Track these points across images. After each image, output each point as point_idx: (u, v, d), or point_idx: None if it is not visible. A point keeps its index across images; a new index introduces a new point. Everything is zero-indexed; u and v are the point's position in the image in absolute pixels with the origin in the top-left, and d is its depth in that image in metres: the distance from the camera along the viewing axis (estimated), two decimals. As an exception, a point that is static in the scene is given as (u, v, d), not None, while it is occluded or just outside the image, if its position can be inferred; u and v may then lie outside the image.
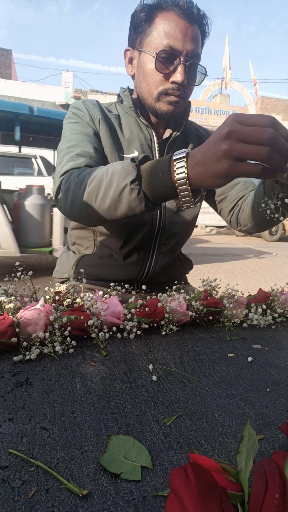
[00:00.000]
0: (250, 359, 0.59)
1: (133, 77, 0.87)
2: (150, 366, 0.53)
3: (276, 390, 0.50)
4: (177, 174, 0.55)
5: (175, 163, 0.55)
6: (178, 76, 0.76)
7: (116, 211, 0.63)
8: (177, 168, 0.54)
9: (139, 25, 0.79)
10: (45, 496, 0.29)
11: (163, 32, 0.75)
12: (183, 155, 0.54)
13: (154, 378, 0.50)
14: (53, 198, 0.78)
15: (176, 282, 1.00)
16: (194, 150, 0.54)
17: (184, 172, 0.54)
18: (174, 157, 0.55)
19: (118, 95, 0.93)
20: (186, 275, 1.13)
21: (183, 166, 0.54)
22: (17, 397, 0.44)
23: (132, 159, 0.60)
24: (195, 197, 0.57)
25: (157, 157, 0.88)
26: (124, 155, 0.86)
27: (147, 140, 0.88)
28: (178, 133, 0.90)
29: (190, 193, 0.56)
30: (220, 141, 0.48)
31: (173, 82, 0.78)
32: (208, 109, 12.27)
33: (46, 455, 0.34)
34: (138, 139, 0.87)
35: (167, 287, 0.80)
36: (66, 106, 10.90)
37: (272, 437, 0.39)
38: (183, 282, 1.09)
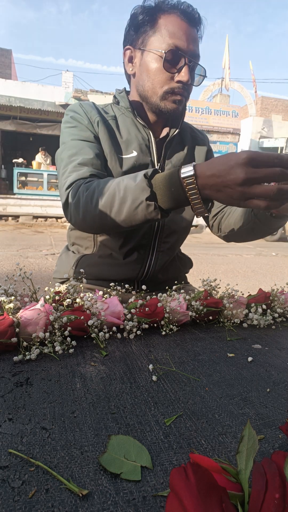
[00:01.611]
0: (250, 359, 0.59)
1: (133, 75, 0.86)
2: (150, 366, 0.53)
3: (276, 390, 0.50)
4: (188, 191, 0.59)
5: (185, 181, 0.58)
6: (183, 76, 0.78)
7: (131, 222, 0.66)
8: (188, 188, 0.59)
9: (142, 26, 0.80)
10: (45, 496, 0.29)
11: (168, 32, 0.77)
12: (191, 173, 0.58)
13: (154, 378, 0.50)
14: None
15: (176, 282, 1.00)
16: (204, 171, 0.57)
17: (196, 191, 0.58)
18: (182, 175, 0.58)
19: (114, 97, 0.94)
20: (186, 274, 1.14)
21: (194, 186, 0.58)
22: (17, 397, 0.44)
23: (145, 175, 0.63)
24: (206, 206, 0.61)
25: (155, 156, 0.89)
26: (123, 156, 0.86)
27: (144, 140, 0.88)
28: (175, 133, 0.91)
29: (203, 206, 0.61)
30: (236, 185, 0.53)
31: (178, 82, 0.80)
32: (208, 109, 12.25)
33: (46, 455, 0.34)
34: (136, 140, 0.87)
35: (167, 287, 0.80)
36: (66, 106, 10.87)
37: (272, 437, 0.39)
38: (183, 282, 1.09)
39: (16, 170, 10.58)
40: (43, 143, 11.16)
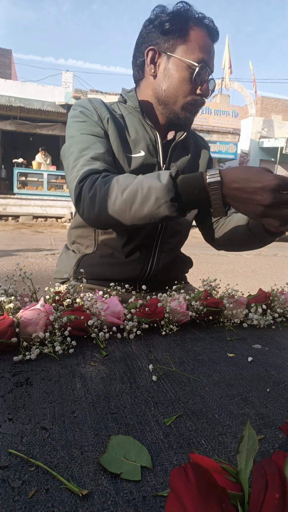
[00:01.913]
0: (250, 359, 0.59)
1: (153, 77, 0.85)
2: (150, 366, 0.53)
3: (276, 390, 0.50)
4: (212, 196, 0.63)
5: (210, 187, 0.62)
6: (206, 90, 0.83)
7: (150, 220, 0.67)
8: (212, 193, 0.62)
9: (170, 32, 0.80)
10: (45, 496, 0.29)
11: (198, 46, 0.79)
12: (218, 179, 0.61)
13: (154, 378, 0.50)
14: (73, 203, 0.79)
15: (176, 282, 1.00)
16: (229, 183, 0.61)
17: (219, 196, 0.62)
18: (208, 180, 0.62)
19: (121, 95, 0.93)
20: (186, 274, 1.14)
21: (219, 192, 0.62)
22: (17, 397, 0.44)
23: (170, 175, 0.65)
24: (225, 209, 0.65)
25: (161, 157, 0.90)
26: (132, 155, 0.86)
27: (152, 140, 0.89)
28: (182, 136, 0.92)
29: (223, 209, 0.64)
30: (260, 205, 0.59)
31: (200, 95, 0.83)
32: (208, 109, 12.23)
33: (46, 455, 0.34)
34: (144, 140, 0.88)
35: (167, 287, 0.80)
36: (66, 106, 10.88)
37: (272, 437, 0.39)
38: (183, 282, 1.09)
39: (16, 170, 10.58)
40: (43, 143, 11.16)
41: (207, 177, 0.62)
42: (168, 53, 0.81)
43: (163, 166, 0.91)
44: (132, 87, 0.94)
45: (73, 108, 0.87)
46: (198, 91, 0.83)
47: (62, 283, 1.00)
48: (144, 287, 0.78)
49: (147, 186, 0.65)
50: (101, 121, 0.84)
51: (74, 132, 0.83)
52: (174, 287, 0.79)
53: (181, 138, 0.92)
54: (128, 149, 0.86)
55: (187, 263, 1.10)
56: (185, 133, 0.92)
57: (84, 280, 0.73)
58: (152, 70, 0.84)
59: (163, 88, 0.84)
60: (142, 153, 0.86)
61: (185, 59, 0.79)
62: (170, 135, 0.93)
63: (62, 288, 0.69)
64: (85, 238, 0.97)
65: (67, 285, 0.71)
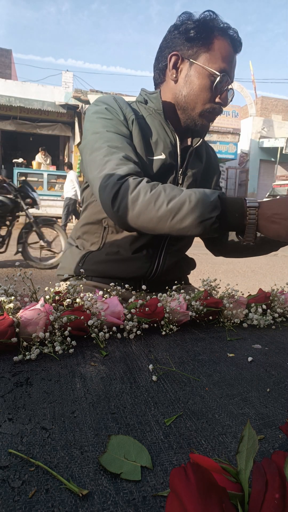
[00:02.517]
0: (250, 359, 0.59)
1: (174, 81, 0.87)
2: (150, 366, 0.53)
3: (276, 390, 0.50)
4: (249, 219, 0.69)
5: (249, 212, 0.69)
6: (225, 99, 0.86)
7: (187, 232, 0.72)
8: (249, 216, 0.69)
9: (195, 39, 0.82)
10: (45, 496, 0.29)
11: (221, 55, 0.82)
12: (256, 205, 0.69)
13: (154, 378, 0.50)
14: (110, 199, 0.74)
15: (176, 282, 1.01)
16: (266, 208, 0.69)
17: (254, 221, 0.69)
18: (248, 204, 0.69)
19: (141, 96, 0.93)
20: (188, 275, 1.14)
21: (254, 219, 0.69)
22: (17, 397, 0.44)
23: (219, 195, 0.71)
24: (254, 237, 0.71)
25: (179, 162, 0.91)
26: (153, 158, 0.87)
27: (172, 144, 0.90)
28: (199, 142, 0.94)
29: (253, 236, 0.71)
30: None
31: (218, 103, 0.86)
32: (208, 109, 12.27)
33: (46, 455, 0.34)
34: (165, 142, 0.89)
35: (167, 287, 0.80)
36: (66, 106, 10.88)
37: (272, 437, 0.39)
38: (183, 282, 1.09)
39: (16, 170, 10.58)
40: (43, 143, 11.16)
41: (247, 202, 0.69)
42: (191, 59, 0.83)
43: (179, 170, 0.92)
44: (144, 88, 0.94)
45: (96, 104, 0.86)
46: (217, 100, 0.85)
47: (65, 280, 0.99)
48: (144, 287, 0.77)
49: (195, 200, 0.69)
50: (126, 121, 0.84)
51: (99, 128, 0.82)
52: (174, 287, 0.79)
53: (197, 145, 0.94)
54: (149, 151, 0.87)
55: (191, 264, 1.10)
56: (201, 140, 0.94)
57: (84, 280, 0.72)
58: (174, 75, 0.86)
59: (184, 94, 0.86)
60: (163, 156, 0.88)
61: (207, 67, 0.82)
62: (189, 141, 0.95)
63: (62, 288, 0.69)
64: (92, 235, 0.96)
65: (67, 284, 0.71)
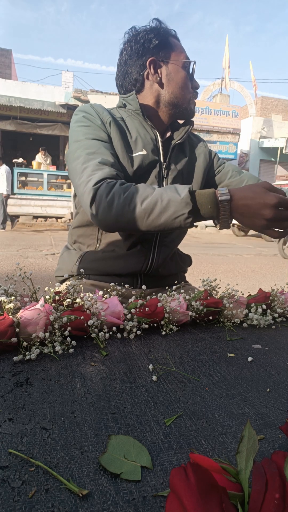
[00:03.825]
0: (250, 359, 0.59)
1: (159, 84, 0.94)
2: (150, 366, 0.53)
3: (276, 390, 0.50)
4: (222, 211, 0.72)
5: (221, 203, 0.71)
6: (197, 83, 0.98)
7: (164, 228, 0.75)
8: (222, 208, 0.71)
9: (160, 43, 0.92)
10: (45, 496, 0.29)
11: (180, 49, 0.94)
12: (228, 198, 0.71)
13: (154, 378, 0.50)
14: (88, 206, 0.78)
15: (176, 282, 1.02)
16: (237, 200, 0.71)
17: (227, 212, 0.72)
18: (220, 198, 0.71)
19: (120, 101, 0.99)
20: (185, 274, 1.15)
21: (227, 211, 0.72)
22: (17, 397, 0.44)
23: (189, 191, 0.72)
24: (230, 222, 0.74)
25: (162, 155, 0.95)
26: (133, 154, 0.91)
27: (152, 140, 0.94)
28: (180, 137, 0.98)
29: (229, 223, 0.74)
30: (263, 219, 0.69)
31: (194, 88, 0.97)
32: (208, 109, 12.22)
33: (46, 455, 0.34)
34: (145, 139, 0.93)
35: (167, 287, 0.81)
36: (66, 106, 10.87)
37: (272, 437, 0.39)
38: (183, 282, 1.09)
39: (16, 170, 10.58)
40: (43, 143, 11.16)
41: (218, 195, 0.71)
42: (165, 60, 0.93)
43: (163, 164, 0.95)
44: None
45: (76, 114, 0.91)
46: (194, 85, 0.97)
47: (64, 281, 1.00)
48: (144, 287, 0.78)
49: (166, 198, 0.72)
50: (104, 125, 0.88)
51: (79, 136, 0.86)
52: (174, 287, 0.79)
53: (179, 140, 0.98)
54: (130, 149, 0.91)
55: (187, 260, 1.13)
56: (185, 132, 0.99)
57: (84, 280, 0.73)
58: (158, 78, 0.93)
59: (170, 91, 0.93)
60: (144, 152, 0.91)
61: (180, 60, 0.93)
62: (167, 135, 1.00)
63: (62, 287, 0.69)
64: (88, 237, 0.98)
65: (67, 284, 0.71)
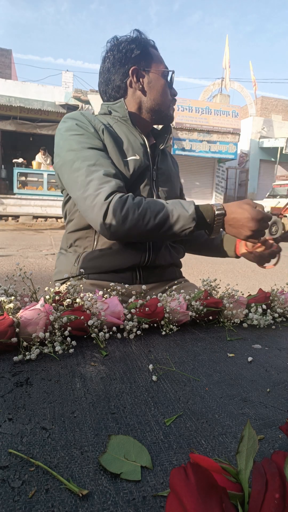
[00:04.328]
0: (250, 359, 0.59)
1: (141, 91, 0.98)
2: (150, 366, 0.53)
3: (276, 390, 0.50)
4: (216, 223, 0.84)
5: (216, 217, 0.84)
6: (175, 90, 1.04)
7: (170, 238, 0.87)
8: (216, 221, 0.84)
9: (141, 53, 0.97)
10: (45, 496, 0.29)
11: (159, 59, 1.00)
12: (223, 212, 0.84)
13: (154, 378, 0.50)
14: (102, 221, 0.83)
15: (175, 281, 1.03)
16: (229, 215, 0.84)
17: (221, 224, 0.85)
18: (216, 212, 0.84)
19: (104, 108, 1.03)
20: (185, 274, 1.15)
21: (220, 223, 0.85)
22: (17, 397, 0.44)
23: (195, 208, 0.83)
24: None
25: (150, 159, 1.01)
26: (128, 159, 0.94)
27: (142, 145, 0.98)
28: (167, 141, 1.07)
29: (220, 232, 0.89)
30: (250, 230, 0.82)
31: (173, 95, 1.03)
32: (208, 109, 12.21)
33: (46, 455, 0.34)
34: (135, 144, 0.97)
35: (167, 287, 0.81)
36: (66, 106, 10.88)
37: (272, 437, 0.39)
38: (182, 280, 1.11)
39: (16, 170, 10.57)
40: (43, 143, 11.16)
41: (215, 210, 0.84)
42: (146, 69, 0.98)
43: (153, 168, 1.01)
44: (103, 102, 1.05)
45: (64, 121, 0.92)
46: (172, 92, 1.03)
47: (63, 283, 1.00)
48: (144, 287, 0.78)
49: (176, 214, 0.82)
50: (97, 133, 0.90)
51: (73, 145, 0.87)
52: (174, 287, 0.79)
53: (164, 145, 1.06)
54: (123, 154, 0.94)
55: (180, 251, 1.15)
56: (168, 137, 1.07)
57: (85, 280, 0.73)
58: (140, 86, 0.98)
59: (152, 98, 0.99)
60: (137, 156, 0.95)
61: (160, 69, 0.99)
62: (152, 141, 1.06)
63: (63, 287, 0.69)
64: (85, 240, 0.98)
65: (67, 284, 0.71)
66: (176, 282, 1.05)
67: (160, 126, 1.08)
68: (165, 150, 1.09)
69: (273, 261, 0.96)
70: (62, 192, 1.01)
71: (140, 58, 0.97)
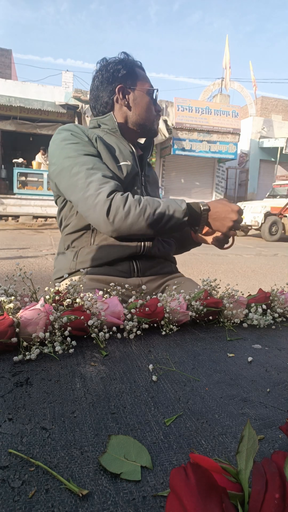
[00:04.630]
0: (250, 359, 0.59)
1: (127, 107, 1.07)
2: (150, 366, 0.53)
3: (276, 390, 0.50)
4: (202, 218, 0.94)
5: (203, 212, 0.94)
6: (159, 106, 1.14)
7: (166, 232, 0.94)
8: (203, 216, 0.94)
9: (128, 73, 1.06)
10: (45, 496, 0.29)
11: (145, 78, 1.10)
12: (207, 207, 0.94)
13: (154, 378, 0.50)
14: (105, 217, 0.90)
15: (172, 276, 1.07)
16: (212, 210, 0.94)
17: (206, 218, 0.95)
18: (202, 208, 0.93)
19: (92, 123, 1.11)
20: (185, 273, 1.17)
21: (206, 217, 0.94)
22: (17, 397, 0.44)
23: (187, 205, 0.93)
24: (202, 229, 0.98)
25: (139, 167, 1.10)
26: (121, 164, 1.02)
27: (131, 153, 1.07)
28: (151, 152, 1.17)
29: (202, 229, 0.98)
30: (231, 221, 0.93)
31: (157, 111, 1.13)
32: (208, 109, 12.20)
33: (46, 455, 0.34)
34: (126, 152, 1.05)
35: (163, 281, 0.81)
36: (66, 106, 10.88)
37: (272, 437, 0.39)
38: (179, 275, 1.14)
39: (16, 170, 10.58)
40: (43, 143, 11.16)
41: (201, 206, 0.93)
42: (131, 87, 1.07)
43: (142, 174, 1.10)
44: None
45: (59, 133, 0.98)
46: (157, 108, 1.12)
47: (63, 280, 1.01)
48: (144, 287, 0.79)
49: (172, 209, 0.90)
50: (90, 141, 0.97)
51: (70, 153, 0.93)
52: (171, 280, 0.79)
53: (150, 155, 1.16)
54: (116, 160, 1.02)
55: (171, 243, 1.18)
56: (152, 149, 1.17)
57: (84, 279, 0.73)
58: (126, 102, 1.07)
59: (137, 113, 1.08)
60: (128, 162, 1.04)
61: (145, 87, 1.08)
62: (139, 151, 1.15)
63: (64, 283, 0.70)
64: (82, 240, 1.01)
65: (67, 283, 0.71)
66: (172, 276, 1.09)
67: (144, 140, 1.18)
68: (148, 162, 1.20)
69: (230, 241, 1.05)
70: (56, 202, 1.07)
71: (126, 77, 1.06)
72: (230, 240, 1.06)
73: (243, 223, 9.64)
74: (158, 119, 1.16)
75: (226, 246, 1.08)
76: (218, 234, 1.05)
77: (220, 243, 1.07)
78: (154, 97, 1.11)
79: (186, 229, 1.18)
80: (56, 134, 0.99)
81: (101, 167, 0.93)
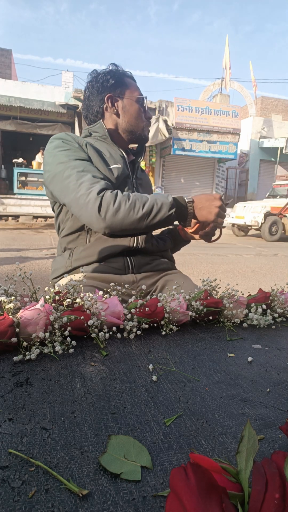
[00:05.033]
0: (250, 359, 0.59)
1: (116, 114, 1.12)
2: (150, 366, 0.53)
3: (276, 390, 0.50)
4: (188, 210, 0.99)
5: (188, 205, 0.99)
6: (149, 114, 1.18)
7: (156, 226, 0.96)
8: (189, 208, 0.99)
9: (116, 83, 1.11)
10: (45, 496, 0.29)
11: (134, 87, 1.14)
12: (192, 200, 0.99)
13: (154, 378, 0.50)
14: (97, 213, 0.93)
15: (168, 273, 1.09)
16: (197, 201, 0.99)
17: (192, 210, 0.99)
18: (187, 200, 0.99)
19: (84, 133, 1.15)
20: (185, 273, 1.16)
21: (192, 209, 0.99)
22: (17, 397, 0.44)
23: (174, 198, 0.97)
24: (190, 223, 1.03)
25: (130, 172, 1.14)
26: (111, 167, 1.06)
27: (121, 157, 1.11)
28: (143, 156, 1.21)
29: (189, 222, 1.02)
30: (215, 207, 0.98)
31: (147, 118, 1.17)
32: (208, 109, 12.20)
33: (46, 455, 0.34)
34: (116, 156, 1.10)
35: (159, 277, 0.81)
36: (66, 106, 10.88)
37: (272, 437, 0.39)
38: (175, 271, 1.15)
39: (16, 170, 10.58)
40: (43, 143, 11.14)
41: (186, 199, 0.99)
42: (121, 96, 1.12)
43: (133, 177, 1.14)
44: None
45: (51, 142, 1.03)
46: (147, 116, 1.16)
47: (59, 278, 1.03)
48: (144, 287, 0.79)
49: (160, 202, 0.94)
50: (81, 147, 1.02)
51: (62, 158, 0.97)
52: (174, 287, 0.79)
53: (141, 158, 1.21)
54: (107, 163, 1.06)
55: (166, 239, 1.21)
56: (143, 156, 1.21)
57: (83, 279, 0.74)
58: (115, 110, 1.12)
59: (126, 120, 1.12)
60: (119, 165, 1.07)
61: (134, 96, 1.13)
62: (131, 157, 1.20)
63: (63, 281, 0.70)
64: (77, 242, 1.04)
65: (66, 283, 0.71)
66: (168, 273, 1.11)
67: (136, 146, 1.22)
68: (140, 167, 1.25)
69: (217, 233, 1.09)
70: (53, 209, 1.10)
71: (115, 87, 1.11)
72: (217, 232, 1.09)
73: (243, 223, 9.79)
74: (149, 126, 1.20)
75: (213, 238, 1.10)
76: (206, 230, 1.08)
77: (208, 236, 1.09)
78: (144, 104, 1.15)
79: (174, 226, 1.25)
80: (49, 143, 1.03)
81: (91, 169, 0.97)
